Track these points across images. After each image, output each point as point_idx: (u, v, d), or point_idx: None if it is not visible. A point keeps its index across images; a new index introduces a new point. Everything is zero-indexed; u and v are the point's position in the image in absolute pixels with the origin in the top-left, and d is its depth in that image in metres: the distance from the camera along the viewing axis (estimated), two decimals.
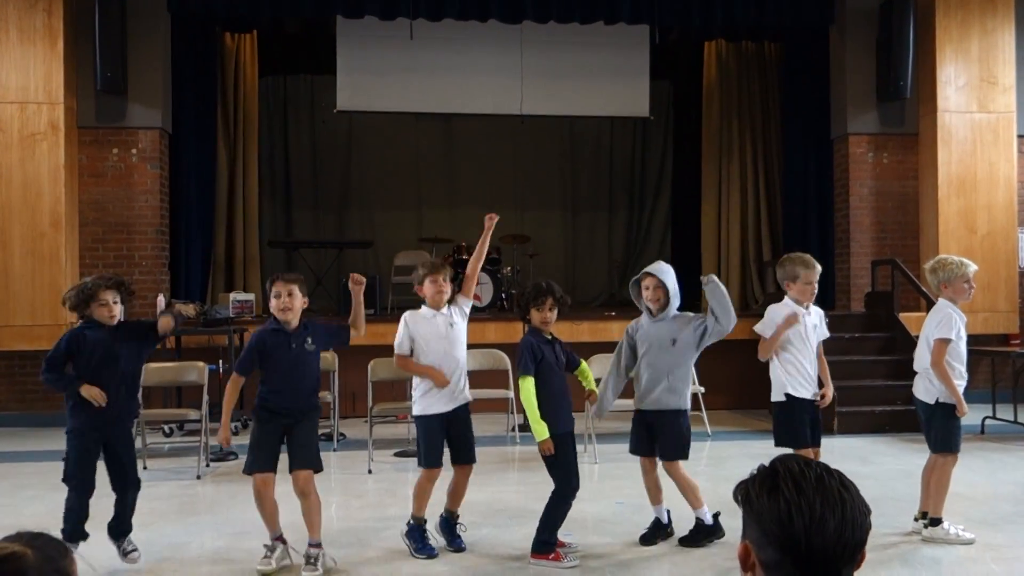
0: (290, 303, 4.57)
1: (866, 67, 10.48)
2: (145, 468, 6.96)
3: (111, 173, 9.62)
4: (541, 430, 4.57)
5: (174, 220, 10.11)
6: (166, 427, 8.40)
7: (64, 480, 4.47)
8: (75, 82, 9.35)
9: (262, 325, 4.74)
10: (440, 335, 4.85)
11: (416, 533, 4.77)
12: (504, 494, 5.26)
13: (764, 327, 4.99)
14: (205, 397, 7.02)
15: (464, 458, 4.91)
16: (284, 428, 4.54)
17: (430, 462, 4.80)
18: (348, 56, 10.97)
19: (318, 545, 4.49)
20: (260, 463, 4.49)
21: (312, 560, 4.43)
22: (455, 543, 4.84)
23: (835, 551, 1.33)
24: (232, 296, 9.43)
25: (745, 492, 1.43)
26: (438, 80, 11.05)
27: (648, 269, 4.96)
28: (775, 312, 5.00)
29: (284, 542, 4.57)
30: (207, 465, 6.98)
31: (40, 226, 8.98)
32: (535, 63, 11.01)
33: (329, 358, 8.05)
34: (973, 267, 5.03)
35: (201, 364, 7.15)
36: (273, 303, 4.62)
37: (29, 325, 8.86)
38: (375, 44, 10.81)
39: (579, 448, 7.39)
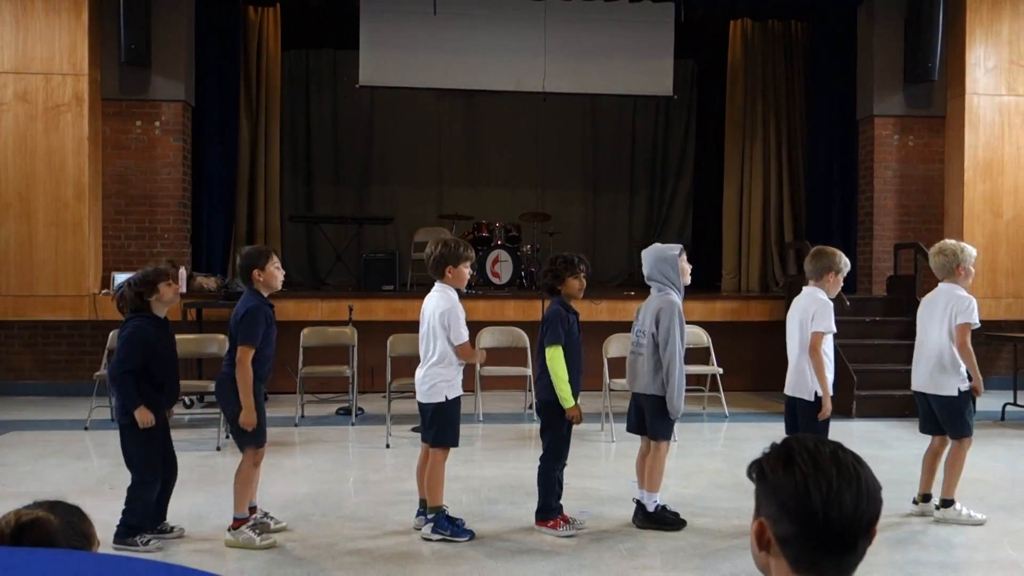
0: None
1: (894, 48, 10.33)
2: None
3: (134, 145, 9.66)
4: (569, 397, 4.65)
5: (196, 193, 10.16)
6: (187, 399, 8.49)
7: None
8: (99, 54, 9.38)
9: (256, 299, 4.60)
10: None
11: (444, 520, 4.64)
12: (520, 471, 5.31)
13: (828, 325, 4.82)
14: None
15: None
16: None
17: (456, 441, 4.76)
18: (371, 31, 10.94)
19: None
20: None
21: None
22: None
23: (852, 523, 1.35)
24: None
25: (759, 468, 1.43)
26: (461, 56, 11.00)
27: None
28: (830, 308, 4.86)
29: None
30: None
31: (64, 197, 9.05)
32: (558, 40, 10.93)
33: (348, 333, 8.12)
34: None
35: (222, 337, 7.17)
36: (279, 275, 4.68)
37: (52, 295, 8.96)
38: (398, 19, 10.77)
39: (596, 427, 7.52)
